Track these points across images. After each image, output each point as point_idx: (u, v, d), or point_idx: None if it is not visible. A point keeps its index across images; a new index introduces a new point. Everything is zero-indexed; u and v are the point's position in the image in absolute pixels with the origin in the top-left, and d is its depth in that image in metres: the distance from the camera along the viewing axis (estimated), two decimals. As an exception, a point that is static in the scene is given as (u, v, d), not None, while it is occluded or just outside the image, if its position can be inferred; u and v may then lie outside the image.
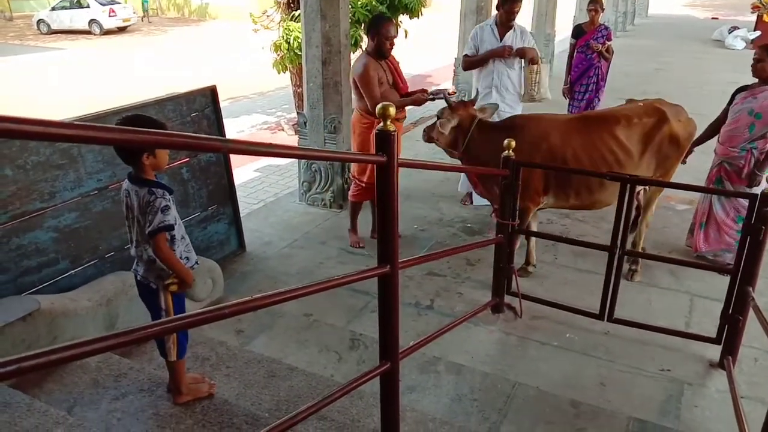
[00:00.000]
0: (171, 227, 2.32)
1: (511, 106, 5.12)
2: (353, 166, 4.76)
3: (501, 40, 5.00)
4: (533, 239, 4.23)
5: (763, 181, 4.07)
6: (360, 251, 4.61)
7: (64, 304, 2.99)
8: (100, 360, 2.86)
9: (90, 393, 2.68)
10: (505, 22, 4.99)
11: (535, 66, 5.07)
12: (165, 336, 2.44)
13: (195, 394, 2.63)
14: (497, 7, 5.08)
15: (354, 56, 6.21)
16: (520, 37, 5.07)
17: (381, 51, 4.25)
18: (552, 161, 3.78)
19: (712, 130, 4.38)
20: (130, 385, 2.72)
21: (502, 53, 4.95)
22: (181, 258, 2.42)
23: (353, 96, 4.52)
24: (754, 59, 4.09)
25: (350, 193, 4.79)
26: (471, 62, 5.18)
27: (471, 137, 3.99)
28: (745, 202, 3.06)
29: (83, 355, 1.22)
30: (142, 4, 27.83)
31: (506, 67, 5.05)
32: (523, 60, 5.04)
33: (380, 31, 4.20)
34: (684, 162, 4.32)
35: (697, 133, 4.16)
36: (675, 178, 4.10)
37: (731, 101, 4.25)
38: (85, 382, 2.74)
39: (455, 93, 4.84)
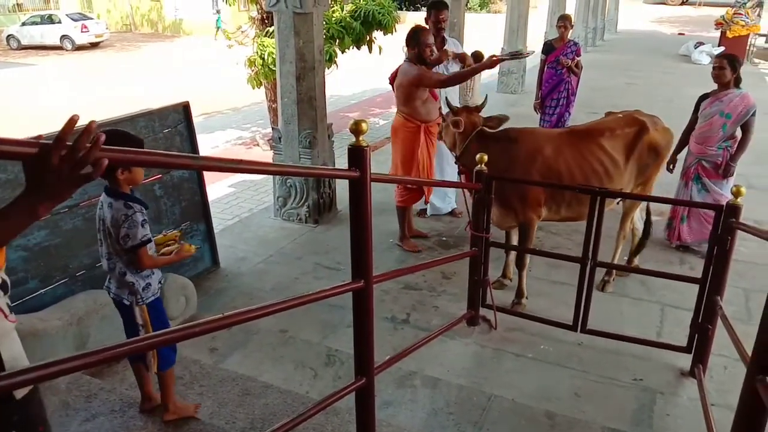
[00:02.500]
0: (150, 240, 2.35)
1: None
2: (398, 171, 4.80)
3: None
4: (512, 253, 4.26)
5: (735, 170, 4.58)
6: (336, 266, 4.60)
7: (33, 324, 2.93)
8: (70, 381, 2.80)
9: (60, 415, 2.62)
10: (436, 34, 4.94)
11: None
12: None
13: (181, 413, 2.60)
14: (425, 20, 5.13)
15: (328, 72, 6.25)
16: (453, 47, 5.19)
17: (422, 58, 4.43)
18: (547, 173, 3.81)
19: (686, 136, 4.81)
20: (101, 406, 2.67)
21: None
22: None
23: (397, 101, 4.71)
24: (714, 67, 4.60)
25: (397, 199, 4.88)
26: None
27: (468, 144, 3.96)
28: (723, 194, 3.20)
29: (54, 375, 1.21)
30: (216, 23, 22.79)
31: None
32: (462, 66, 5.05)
33: (420, 40, 4.41)
34: (671, 171, 4.75)
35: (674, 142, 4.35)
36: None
37: (697, 108, 4.72)
38: (54, 403, 2.68)
39: (529, 54, 5.04)
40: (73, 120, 1.01)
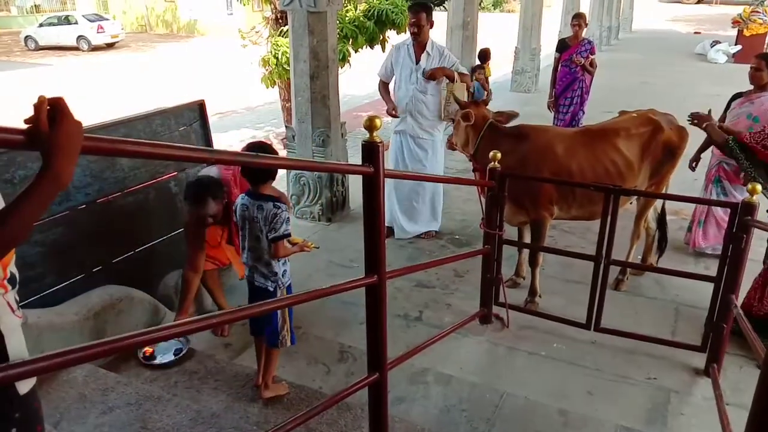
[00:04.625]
0: (290, 234, 2.77)
1: (428, 132, 4.86)
2: None
3: (417, 62, 4.73)
4: (525, 251, 4.26)
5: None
6: (349, 264, 4.61)
7: (51, 319, 2.97)
8: (87, 374, 2.84)
9: (77, 407, 2.66)
10: (414, 39, 4.68)
11: (451, 84, 4.69)
12: (280, 325, 2.84)
13: (276, 392, 2.90)
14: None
15: (342, 71, 6.25)
16: (438, 58, 4.73)
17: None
18: (558, 171, 3.79)
19: None
20: (118, 399, 2.70)
21: (389, 112, 4.82)
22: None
23: None
24: (752, 67, 4.36)
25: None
26: (380, 90, 5.01)
27: (482, 139, 3.91)
28: (741, 199, 3.13)
29: (76, 362, 1.23)
30: None
31: (420, 92, 4.75)
32: (444, 80, 4.74)
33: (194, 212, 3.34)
34: (693, 169, 4.67)
35: (691, 141, 4.25)
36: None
37: (728, 107, 4.54)
38: (72, 396, 2.72)
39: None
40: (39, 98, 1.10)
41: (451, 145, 4.21)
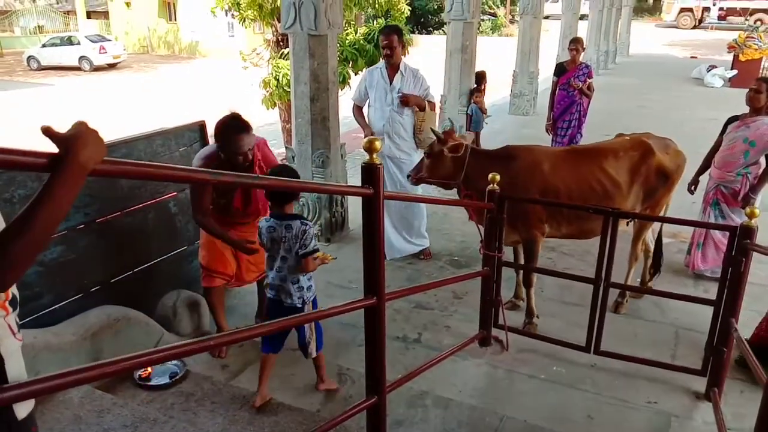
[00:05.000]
0: (318, 250, 2.93)
1: (407, 153, 4.87)
2: None
3: (391, 83, 4.76)
4: (521, 272, 4.25)
5: (757, 202, 4.31)
6: (348, 285, 4.60)
7: (47, 339, 2.95)
8: (83, 395, 2.81)
9: (72, 429, 2.63)
10: (387, 60, 4.74)
11: (422, 113, 4.75)
12: (307, 340, 3.08)
13: (329, 386, 3.29)
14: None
15: (342, 93, 6.29)
16: (412, 80, 4.78)
17: (233, 165, 3.25)
18: (545, 191, 3.81)
19: (710, 158, 4.65)
20: (113, 421, 2.67)
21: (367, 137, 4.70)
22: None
23: None
24: (751, 89, 4.37)
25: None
26: (355, 115, 5.03)
27: (468, 166, 3.89)
28: (739, 222, 3.14)
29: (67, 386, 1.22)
30: None
31: (396, 113, 4.78)
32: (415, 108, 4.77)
33: (229, 147, 3.22)
34: (692, 192, 4.70)
35: (689, 165, 4.27)
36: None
37: (724, 130, 4.55)
38: (67, 417, 2.69)
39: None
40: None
41: (418, 180, 4.09)
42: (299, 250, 2.87)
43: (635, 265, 4.32)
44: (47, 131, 1.12)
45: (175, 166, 1.13)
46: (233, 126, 3.23)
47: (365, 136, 4.72)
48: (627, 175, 3.93)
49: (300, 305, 2.99)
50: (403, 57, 4.91)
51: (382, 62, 4.87)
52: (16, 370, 1.33)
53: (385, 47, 4.66)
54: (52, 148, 1.13)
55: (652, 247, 4.34)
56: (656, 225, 4.31)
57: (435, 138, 4.01)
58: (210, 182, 2.72)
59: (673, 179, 4.07)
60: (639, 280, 4.48)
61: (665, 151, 4.04)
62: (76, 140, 1.13)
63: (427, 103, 4.82)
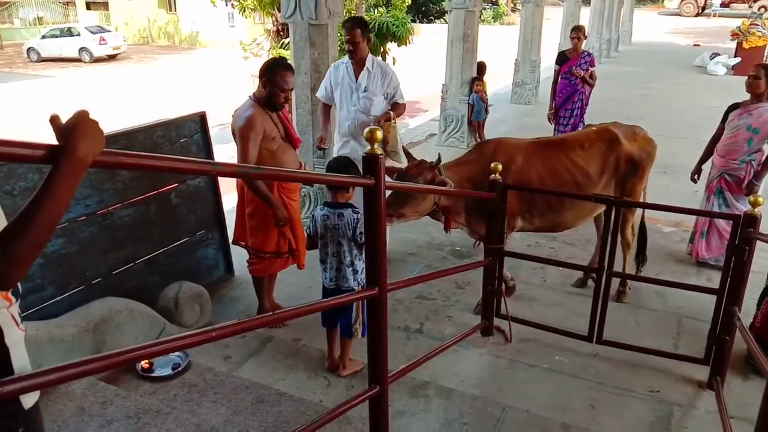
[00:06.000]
0: None
1: None
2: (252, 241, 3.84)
3: (356, 81, 4.30)
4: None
5: (760, 189, 4.32)
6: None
7: (50, 331, 2.96)
8: (86, 387, 2.82)
9: (75, 421, 2.64)
10: (351, 57, 4.26)
11: (387, 123, 4.14)
12: (354, 318, 3.23)
13: (353, 368, 3.37)
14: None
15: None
16: (380, 77, 4.29)
17: (272, 102, 3.51)
18: (519, 181, 3.82)
19: (711, 147, 4.64)
20: (117, 412, 2.68)
21: (318, 145, 4.58)
22: None
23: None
24: (750, 75, 4.34)
25: (249, 267, 3.90)
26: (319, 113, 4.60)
27: (453, 181, 3.67)
28: (744, 210, 3.12)
29: (81, 375, 1.22)
30: None
31: (362, 113, 4.30)
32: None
33: (275, 79, 3.45)
34: (695, 181, 4.71)
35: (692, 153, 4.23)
36: (663, 199, 4.17)
37: (725, 118, 4.52)
38: (70, 409, 2.70)
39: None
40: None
41: (400, 215, 3.66)
42: (358, 237, 3.04)
43: (629, 252, 4.28)
44: (53, 121, 1.11)
45: (176, 157, 1.12)
46: (282, 63, 3.58)
47: (317, 138, 4.67)
48: (595, 165, 3.95)
49: (355, 287, 3.17)
50: (374, 52, 4.56)
51: (346, 57, 4.37)
52: (21, 361, 1.34)
53: (348, 42, 4.19)
54: (52, 139, 1.12)
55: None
56: (638, 214, 4.22)
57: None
58: (209, 173, 2.73)
59: (643, 167, 4.07)
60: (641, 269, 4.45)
61: (633, 138, 4.06)
62: (75, 132, 1.11)
63: (393, 109, 4.31)
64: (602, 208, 3.99)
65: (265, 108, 3.52)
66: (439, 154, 3.77)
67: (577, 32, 6.59)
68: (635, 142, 4.04)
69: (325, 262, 3.22)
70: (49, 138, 1.13)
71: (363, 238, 2.88)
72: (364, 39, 4.22)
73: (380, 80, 4.30)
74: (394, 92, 4.36)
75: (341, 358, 3.37)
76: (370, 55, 4.34)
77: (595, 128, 4.19)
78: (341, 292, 3.19)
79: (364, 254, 2.87)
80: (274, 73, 3.45)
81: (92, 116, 1.15)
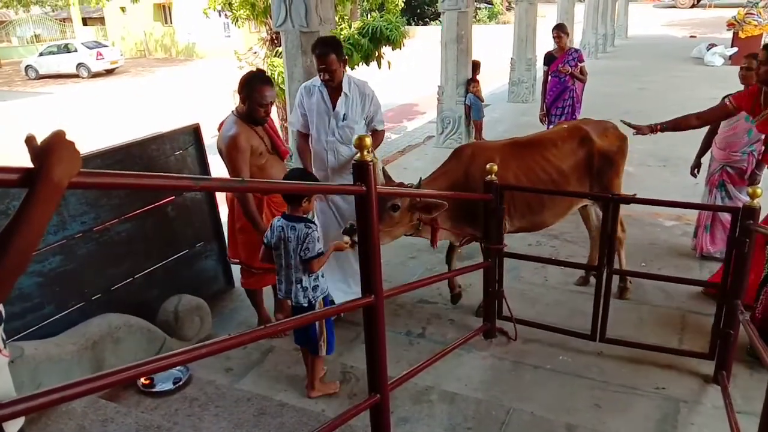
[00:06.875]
0: (323, 253, 2.94)
1: None
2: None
3: (334, 108, 3.78)
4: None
5: (761, 178, 4.27)
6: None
7: (48, 350, 2.94)
8: (86, 405, 2.81)
9: (76, 440, 2.62)
10: (327, 84, 3.74)
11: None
12: (318, 335, 3.07)
13: (324, 391, 3.22)
14: None
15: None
16: (359, 100, 3.82)
17: (253, 117, 3.44)
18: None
19: (708, 139, 4.61)
20: (118, 430, 2.67)
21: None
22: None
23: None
24: (742, 67, 4.34)
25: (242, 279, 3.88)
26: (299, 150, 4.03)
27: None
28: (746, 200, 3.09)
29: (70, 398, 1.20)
30: None
31: (341, 144, 3.86)
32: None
33: (252, 96, 3.38)
34: (695, 175, 4.70)
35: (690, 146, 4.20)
36: (663, 194, 4.14)
37: None
38: (70, 428, 2.68)
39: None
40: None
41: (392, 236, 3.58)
42: (302, 254, 2.90)
43: (622, 248, 4.22)
44: (29, 142, 1.09)
45: (155, 174, 1.11)
46: (259, 77, 3.46)
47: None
48: (569, 162, 3.95)
49: (306, 305, 3.01)
50: (345, 72, 3.83)
51: (317, 79, 3.82)
52: (4, 387, 1.31)
53: (323, 71, 3.63)
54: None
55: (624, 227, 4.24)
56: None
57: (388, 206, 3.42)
58: (192, 189, 2.72)
59: (616, 161, 4.06)
60: (643, 264, 4.43)
61: (603, 134, 4.06)
62: (50, 155, 1.09)
63: (371, 135, 3.60)
64: (578, 205, 4.09)
65: (248, 123, 3.48)
66: (420, 178, 3.66)
67: (558, 30, 6.58)
68: (606, 138, 4.05)
69: (279, 273, 3.07)
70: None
71: (307, 255, 2.89)
72: (340, 63, 3.68)
73: (359, 104, 3.83)
74: (374, 115, 3.91)
75: (310, 378, 3.22)
76: (345, 76, 3.80)
77: (566, 126, 4.22)
78: (294, 308, 3.07)
79: (311, 272, 2.95)
80: (251, 88, 3.39)
81: (68, 136, 1.13)
